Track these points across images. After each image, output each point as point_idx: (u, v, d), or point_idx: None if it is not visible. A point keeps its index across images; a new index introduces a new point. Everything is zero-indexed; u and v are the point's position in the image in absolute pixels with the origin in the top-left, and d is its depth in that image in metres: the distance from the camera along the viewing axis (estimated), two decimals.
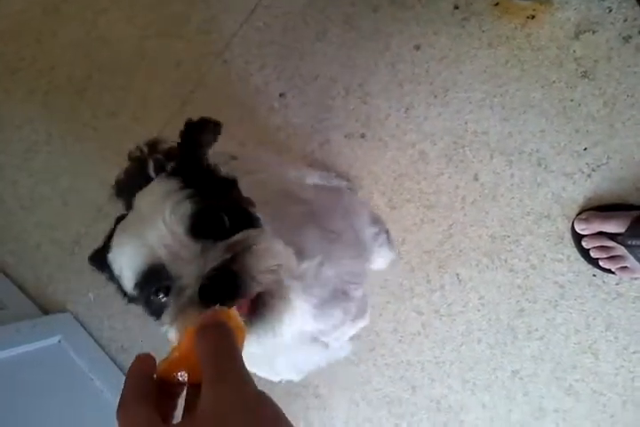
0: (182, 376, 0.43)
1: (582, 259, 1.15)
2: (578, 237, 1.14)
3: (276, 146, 1.32)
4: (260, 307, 0.53)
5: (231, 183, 0.65)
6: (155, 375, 0.43)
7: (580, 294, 1.15)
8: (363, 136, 1.26)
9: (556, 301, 1.16)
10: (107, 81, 1.48)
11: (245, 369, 0.39)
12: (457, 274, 1.19)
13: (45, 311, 1.51)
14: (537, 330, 1.16)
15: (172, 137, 0.69)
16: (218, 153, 0.72)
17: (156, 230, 0.53)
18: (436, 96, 1.22)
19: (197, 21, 1.41)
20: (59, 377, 1.36)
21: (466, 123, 1.21)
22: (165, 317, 0.54)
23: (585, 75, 1.13)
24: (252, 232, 0.56)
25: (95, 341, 1.49)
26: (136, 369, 0.43)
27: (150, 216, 0.55)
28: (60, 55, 1.53)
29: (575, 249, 1.16)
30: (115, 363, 1.48)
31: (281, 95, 1.33)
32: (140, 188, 0.64)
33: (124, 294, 0.59)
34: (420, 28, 1.25)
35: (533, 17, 1.17)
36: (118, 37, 1.48)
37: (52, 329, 1.43)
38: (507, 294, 1.18)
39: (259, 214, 0.61)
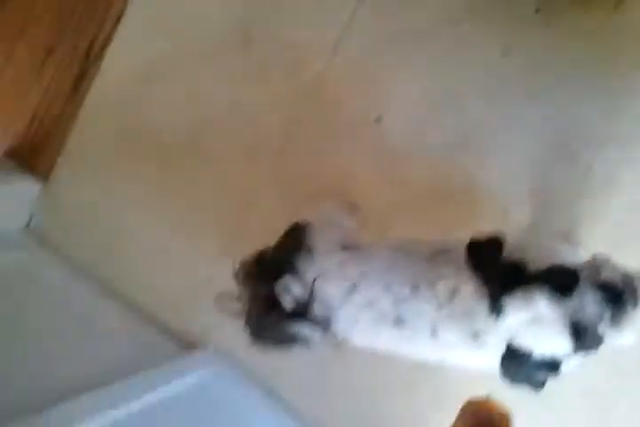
0: None
1: None
2: None
3: (379, 169, 1.37)
4: None
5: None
6: None
7: None
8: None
9: None
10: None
11: None
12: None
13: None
14: None
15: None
16: None
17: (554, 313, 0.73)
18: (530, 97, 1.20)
19: None
20: (222, 411, 1.37)
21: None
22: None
23: None
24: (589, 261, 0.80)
25: (244, 369, 1.47)
26: None
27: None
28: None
29: None
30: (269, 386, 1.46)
31: (377, 119, 1.35)
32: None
33: None
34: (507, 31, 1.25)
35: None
36: None
37: (201, 365, 1.46)
38: None
39: None
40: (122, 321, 1.52)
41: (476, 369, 1.00)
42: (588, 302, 0.71)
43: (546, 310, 0.72)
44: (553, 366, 0.78)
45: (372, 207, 1.36)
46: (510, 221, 1.24)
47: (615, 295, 0.71)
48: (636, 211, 1.18)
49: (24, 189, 1.63)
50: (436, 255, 1.00)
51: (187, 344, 1.54)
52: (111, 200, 1.62)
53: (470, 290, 0.87)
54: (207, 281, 1.52)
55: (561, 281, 0.74)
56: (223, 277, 1.12)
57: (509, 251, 0.86)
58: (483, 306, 0.83)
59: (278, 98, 1.44)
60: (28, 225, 1.66)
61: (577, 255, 1.12)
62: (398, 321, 0.97)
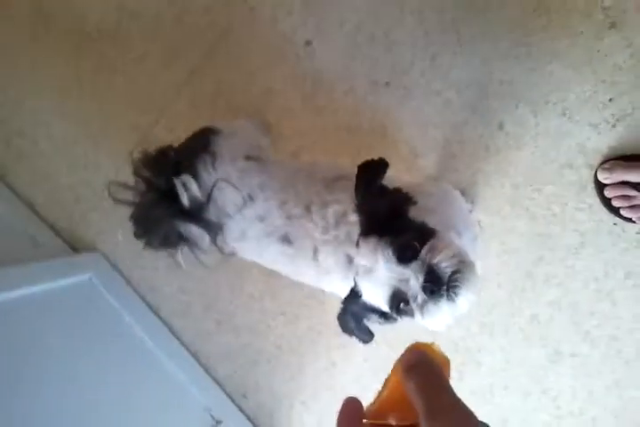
0: (393, 418, 0.43)
1: (604, 208, 1.16)
2: (600, 187, 1.15)
3: (301, 92, 1.30)
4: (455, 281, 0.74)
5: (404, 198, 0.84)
6: (364, 420, 0.43)
7: (600, 243, 1.16)
8: (387, 84, 1.27)
9: (576, 249, 1.17)
10: (135, 27, 1.50)
11: (461, 401, 0.39)
12: (478, 221, 1.19)
13: (76, 250, 1.58)
14: (555, 277, 1.19)
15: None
16: None
17: (386, 274, 0.75)
18: (461, 45, 1.22)
19: None
20: (90, 312, 1.41)
21: (492, 72, 1.21)
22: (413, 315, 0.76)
23: (613, 25, 1.14)
24: (433, 241, 0.76)
25: (125, 279, 1.54)
26: (345, 415, 0.42)
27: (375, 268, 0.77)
28: (91, 2, 1.54)
29: (597, 198, 1.16)
30: (143, 300, 1.53)
31: (307, 43, 1.31)
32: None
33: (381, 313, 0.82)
34: None
35: None
36: None
37: (83, 267, 1.48)
38: (527, 242, 1.21)
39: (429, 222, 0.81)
40: (10, 213, 1.54)
41: None
42: (415, 279, 0.74)
43: (383, 268, 0.75)
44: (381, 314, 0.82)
45: (284, 128, 1.37)
46: (417, 165, 1.25)
47: (437, 284, 0.73)
48: (531, 177, 1.23)
49: None
50: (336, 181, 1.00)
51: (74, 246, 1.58)
52: (22, 84, 1.60)
53: (356, 217, 0.88)
54: (106, 184, 1.50)
55: (408, 247, 0.76)
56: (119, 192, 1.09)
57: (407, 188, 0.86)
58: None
59: (216, 2, 1.42)
60: None
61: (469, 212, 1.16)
62: (285, 239, 0.98)
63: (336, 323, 1.34)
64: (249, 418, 1.51)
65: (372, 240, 0.77)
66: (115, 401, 1.25)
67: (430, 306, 0.73)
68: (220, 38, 1.43)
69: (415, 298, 0.74)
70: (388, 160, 0.84)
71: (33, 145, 1.61)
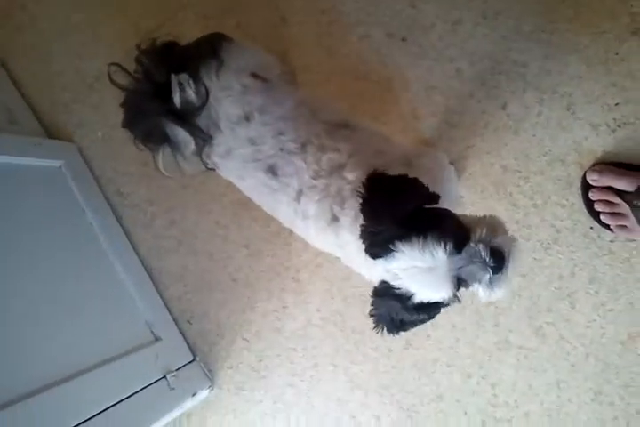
0: None
1: (585, 209, 1.15)
2: (586, 188, 1.13)
3: (317, 28, 1.23)
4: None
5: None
6: None
7: (574, 243, 1.14)
8: (404, 39, 1.24)
9: (549, 243, 1.15)
10: None
11: None
12: (461, 196, 1.13)
13: (52, 138, 1.55)
14: (522, 267, 1.12)
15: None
16: None
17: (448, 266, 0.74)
18: (485, 17, 1.20)
19: None
20: (52, 200, 1.39)
21: (509, 50, 1.20)
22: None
23: (636, 32, 1.14)
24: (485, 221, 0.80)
25: (94, 178, 1.52)
26: None
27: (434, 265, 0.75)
28: None
29: (580, 198, 1.14)
30: (108, 202, 1.51)
31: None
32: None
33: None
34: None
35: None
36: None
37: (55, 153, 1.46)
38: None
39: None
40: None
41: (316, 247, 1.03)
42: (476, 262, 0.75)
43: (442, 263, 0.74)
44: (429, 311, 0.83)
45: (291, 60, 1.34)
46: (414, 126, 1.20)
47: (500, 262, 0.75)
48: (522, 163, 1.22)
49: None
50: (338, 128, 0.98)
51: (51, 133, 1.56)
52: None
53: (354, 177, 0.87)
54: (97, 76, 1.51)
55: (456, 235, 0.76)
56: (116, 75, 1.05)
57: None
58: (355, 209, 0.83)
59: None
60: None
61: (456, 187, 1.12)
62: (271, 170, 0.96)
63: (296, 267, 1.26)
64: (188, 344, 1.50)
65: (416, 240, 0.74)
66: (57, 296, 1.24)
67: (496, 283, 0.76)
68: None
69: (480, 280, 0.76)
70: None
71: (32, 21, 1.58)
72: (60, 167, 1.45)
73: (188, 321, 1.50)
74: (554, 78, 1.20)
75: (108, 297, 1.38)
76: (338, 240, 0.91)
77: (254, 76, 1.01)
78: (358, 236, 0.81)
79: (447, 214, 0.82)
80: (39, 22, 1.58)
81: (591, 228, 1.18)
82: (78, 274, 1.33)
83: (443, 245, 0.72)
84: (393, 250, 0.75)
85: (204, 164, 1.03)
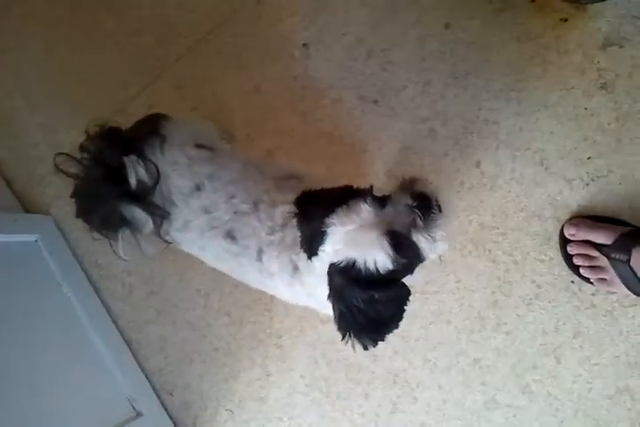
0: None
1: (564, 263, 1.17)
2: (564, 242, 1.14)
3: (289, 94, 1.26)
4: None
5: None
6: None
7: (555, 298, 1.16)
8: (376, 102, 1.28)
9: (531, 299, 1.16)
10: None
11: None
12: (439, 255, 1.14)
13: (28, 211, 1.56)
14: (506, 324, 1.18)
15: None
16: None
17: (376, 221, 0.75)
18: (456, 78, 1.24)
19: None
20: (29, 274, 1.38)
21: (479, 109, 1.24)
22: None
23: (604, 86, 1.17)
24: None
25: (71, 249, 1.52)
26: None
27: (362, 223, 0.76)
28: None
29: (559, 253, 1.16)
30: (86, 274, 1.51)
31: (304, 45, 1.35)
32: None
33: None
34: (456, 8, 1.30)
35: (566, 20, 1.22)
36: None
37: (31, 227, 1.46)
38: (484, 283, 1.22)
39: None
40: None
41: (292, 302, 1.04)
42: (402, 210, 0.76)
43: (368, 216, 0.75)
44: (385, 288, 0.79)
45: (265, 127, 1.36)
46: (390, 186, 1.21)
47: (426, 203, 0.77)
48: (499, 219, 1.23)
49: None
50: (287, 179, 1.00)
51: (27, 207, 1.56)
52: (9, 36, 1.59)
53: None
54: (73, 148, 1.51)
55: (378, 196, 0.78)
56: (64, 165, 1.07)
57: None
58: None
59: None
60: None
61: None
62: (229, 235, 0.97)
63: (278, 333, 1.25)
64: (171, 417, 1.47)
65: (340, 209, 0.76)
66: (32, 372, 1.21)
67: (432, 226, 0.76)
68: (220, 26, 1.45)
69: (415, 226, 0.76)
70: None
71: (8, 97, 1.60)
72: (36, 241, 1.45)
73: (170, 393, 1.47)
74: (525, 135, 1.23)
75: (88, 372, 1.35)
76: (305, 288, 0.92)
77: (198, 146, 1.03)
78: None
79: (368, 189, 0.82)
80: (14, 98, 1.58)
81: (572, 282, 1.18)
82: (55, 350, 1.30)
83: (364, 201, 0.75)
84: (325, 230, 0.76)
85: (165, 241, 1.04)
